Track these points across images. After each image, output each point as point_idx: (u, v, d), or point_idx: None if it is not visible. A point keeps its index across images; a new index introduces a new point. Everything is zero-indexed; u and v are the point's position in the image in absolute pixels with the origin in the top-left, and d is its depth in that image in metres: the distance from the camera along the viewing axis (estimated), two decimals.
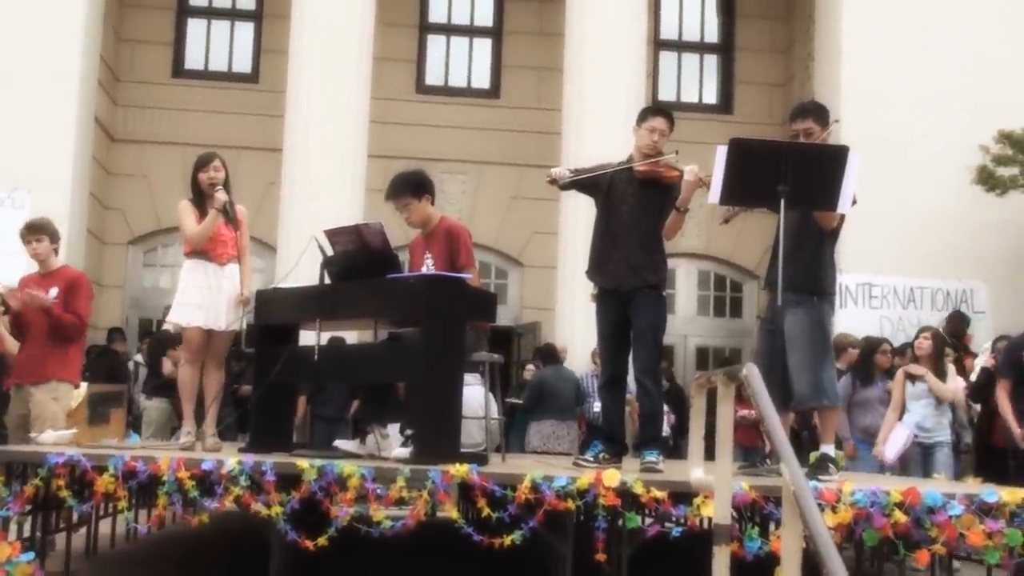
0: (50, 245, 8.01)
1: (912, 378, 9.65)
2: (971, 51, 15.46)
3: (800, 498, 3.10)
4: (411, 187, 7.26)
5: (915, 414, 9.60)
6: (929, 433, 9.57)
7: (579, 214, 14.31)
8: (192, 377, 7.38)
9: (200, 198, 7.40)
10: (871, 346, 10.58)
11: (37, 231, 7.98)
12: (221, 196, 7.26)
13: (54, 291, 7.80)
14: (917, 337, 10.10)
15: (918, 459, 9.56)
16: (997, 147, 14.35)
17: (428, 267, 7.09)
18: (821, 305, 6.68)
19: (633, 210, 6.92)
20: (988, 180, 14.38)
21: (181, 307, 7.28)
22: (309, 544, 5.57)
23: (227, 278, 7.32)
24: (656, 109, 7.36)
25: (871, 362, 10.38)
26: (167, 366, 11.37)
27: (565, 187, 7.42)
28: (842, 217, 6.61)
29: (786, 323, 6.58)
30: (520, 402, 12.63)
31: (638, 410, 7.42)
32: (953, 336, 11.03)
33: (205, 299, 7.23)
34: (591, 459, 6.84)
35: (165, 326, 9.83)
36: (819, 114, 6.80)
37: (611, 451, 6.90)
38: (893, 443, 9.51)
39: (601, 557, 5.52)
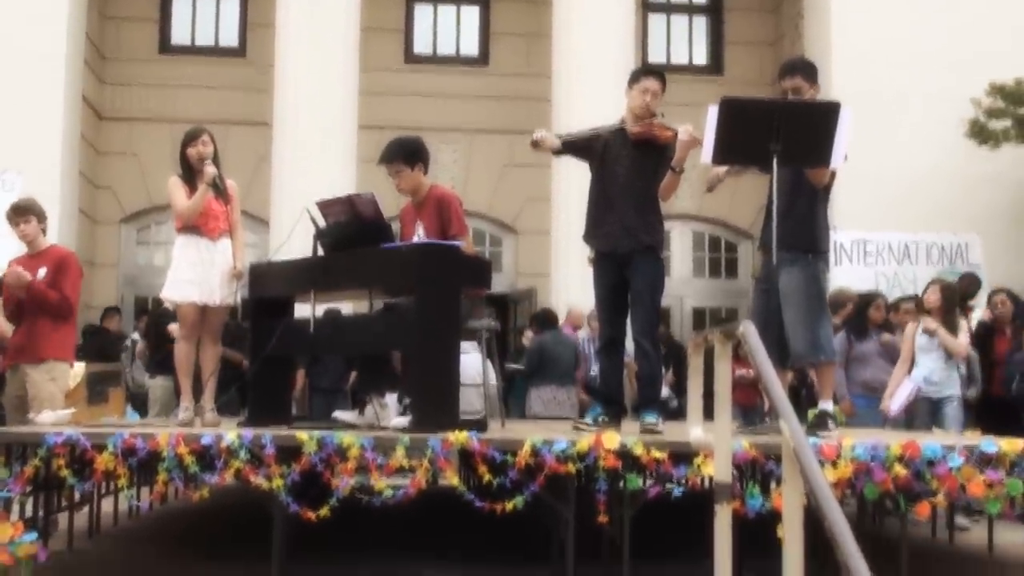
0: (37, 225, 7.98)
1: (928, 332, 9.51)
2: (960, 5, 15.42)
3: (800, 454, 3.10)
4: (404, 154, 7.23)
5: (923, 367, 9.47)
6: (938, 387, 9.42)
7: (572, 179, 14.26)
8: (188, 353, 7.36)
9: (189, 173, 7.36)
10: (864, 301, 10.52)
11: (24, 212, 7.95)
12: (210, 170, 7.23)
13: (42, 271, 7.78)
14: (927, 290, 10.00)
15: (926, 413, 9.43)
16: (988, 100, 14.32)
17: (419, 236, 7.06)
18: (816, 262, 6.68)
19: (628, 172, 6.90)
20: (980, 133, 14.35)
21: (175, 283, 7.25)
22: (311, 515, 5.58)
23: (220, 252, 7.29)
24: (648, 70, 7.34)
25: (865, 317, 10.31)
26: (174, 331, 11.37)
27: (558, 152, 7.39)
28: (833, 174, 6.60)
29: (781, 281, 6.58)
30: (521, 368, 12.62)
31: (636, 372, 7.41)
32: (963, 296, 10.96)
33: (198, 274, 7.19)
34: (590, 422, 6.85)
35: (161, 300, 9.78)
36: (807, 71, 6.78)
37: (610, 414, 6.90)
38: (898, 397, 9.44)
39: (603, 519, 5.54)
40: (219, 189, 7.33)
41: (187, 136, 7.45)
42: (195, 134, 7.42)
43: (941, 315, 9.50)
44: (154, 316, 12.60)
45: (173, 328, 11.17)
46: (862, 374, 10.12)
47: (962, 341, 9.49)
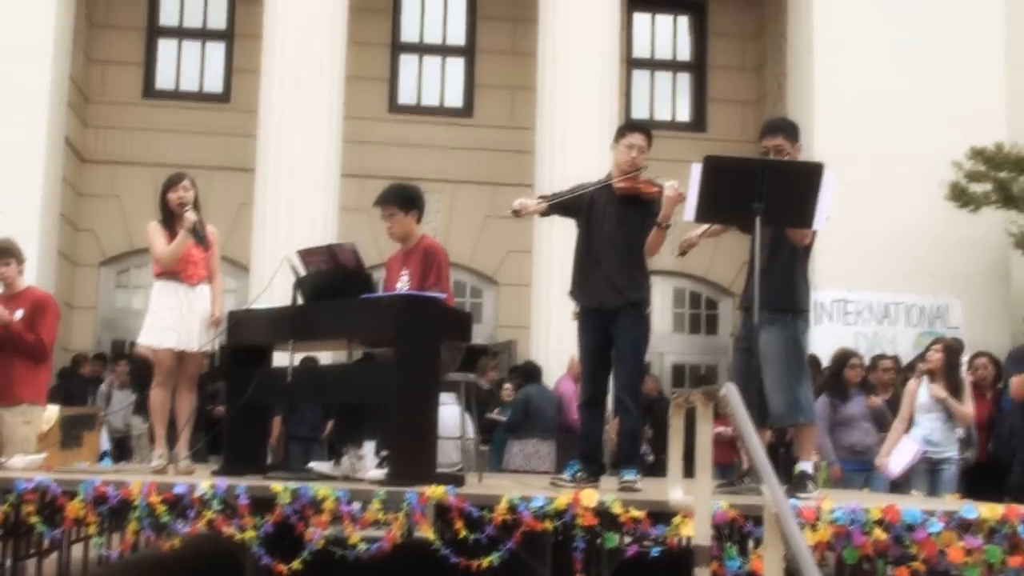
0: (16, 267, 7.91)
1: (938, 399, 9.29)
2: (943, 68, 15.53)
3: (782, 519, 3.06)
4: (401, 198, 7.23)
5: (923, 427, 9.31)
6: (937, 448, 9.27)
7: (553, 232, 14.32)
8: (164, 400, 7.31)
9: (170, 218, 7.35)
10: (840, 360, 10.39)
11: (4, 255, 7.87)
12: (191, 216, 7.20)
13: (19, 312, 7.71)
14: (928, 349, 9.87)
15: (925, 474, 9.26)
16: (969, 163, 14.43)
17: (404, 283, 7.03)
18: (795, 322, 6.66)
19: (614, 228, 6.88)
20: (961, 196, 14.45)
21: (152, 329, 7.22)
22: (283, 568, 5.50)
23: (198, 298, 7.26)
24: (634, 125, 7.36)
25: (842, 377, 10.21)
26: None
27: (544, 213, 7.33)
28: (814, 233, 6.60)
29: (761, 341, 6.54)
30: (502, 419, 12.55)
31: (617, 428, 7.36)
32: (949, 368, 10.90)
33: (176, 321, 7.16)
34: (568, 479, 6.80)
35: (136, 349, 9.73)
36: (789, 131, 6.78)
37: (588, 471, 6.84)
38: (900, 457, 9.26)
39: None
40: (199, 235, 7.30)
41: (168, 181, 7.44)
42: (176, 179, 7.41)
43: (944, 375, 9.35)
44: (135, 362, 12.53)
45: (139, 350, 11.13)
46: (847, 438, 10.03)
47: (968, 406, 9.37)
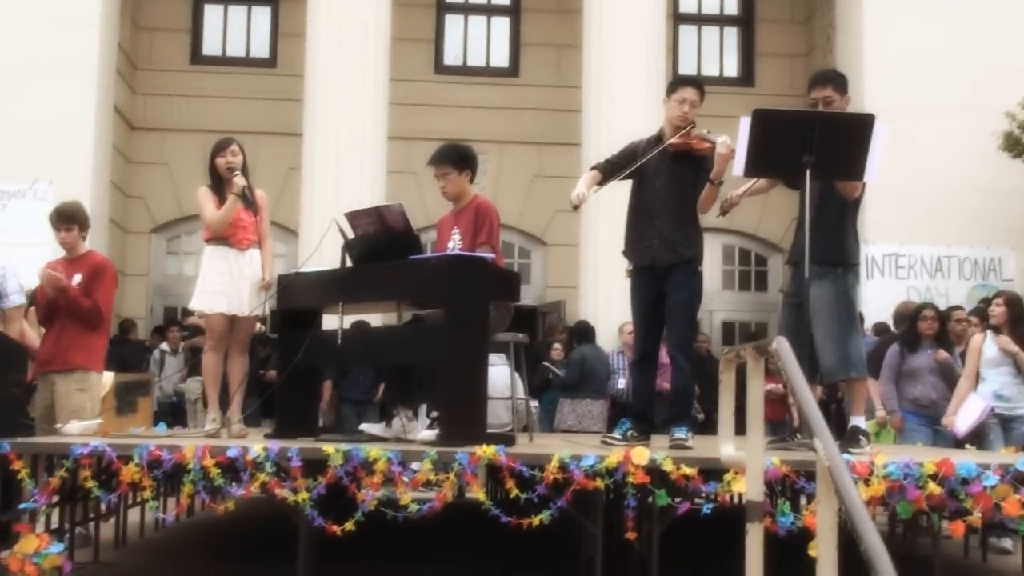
0: (79, 234, 7.91)
1: (1007, 353, 9.12)
2: (994, 17, 15.29)
3: (835, 474, 3.03)
4: (455, 158, 7.22)
5: (993, 383, 9.15)
6: (1009, 404, 9.11)
7: (601, 192, 14.20)
8: (216, 364, 7.34)
9: (218, 184, 7.36)
10: (916, 312, 10.26)
11: (67, 220, 7.85)
12: (239, 181, 7.21)
13: (77, 277, 7.70)
14: (990, 303, 9.74)
15: (998, 431, 9.07)
16: (1023, 113, 14.21)
17: (455, 243, 7.02)
18: (846, 276, 6.61)
19: (666, 184, 6.82)
20: (1015, 146, 14.24)
21: (203, 294, 7.24)
22: (336, 529, 5.54)
23: (248, 263, 7.28)
24: (686, 79, 7.25)
25: (915, 328, 10.03)
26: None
27: (603, 184, 7.23)
28: (863, 186, 6.53)
29: (811, 295, 6.50)
30: (560, 373, 12.54)
31: (670, 385, 7.31)
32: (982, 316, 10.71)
33: (227, 285, 7.18)
34: (619, 437, 6.78)
35: (189, 316, 9.79)
36: (838, 82, 6.71)
37: (639, 429, 6.82)
38: (966, 415, 9.06)
39: (631, 535, 5.48)
40: (248, 200, 7.31)
41: (216, 146, 7.44)
42: (224, 144, 7.41)
43: (1009, 327, 9.19)
44: (189, 328, 12.67)
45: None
46: (911, 391, 9.89)
47: None
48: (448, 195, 7.29)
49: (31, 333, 8.13)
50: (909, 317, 10.40)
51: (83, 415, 7.39)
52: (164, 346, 14.07)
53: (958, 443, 9.02)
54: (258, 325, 7.89)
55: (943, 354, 9.97)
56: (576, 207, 6.95)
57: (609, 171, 7.09)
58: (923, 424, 9.77)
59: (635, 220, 7.00)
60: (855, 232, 6.73)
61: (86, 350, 7.76)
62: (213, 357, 7.34)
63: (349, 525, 5.53)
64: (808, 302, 6.47)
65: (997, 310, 9.36)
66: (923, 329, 9.99)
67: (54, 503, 6.18)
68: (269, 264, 7.42)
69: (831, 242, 6.53)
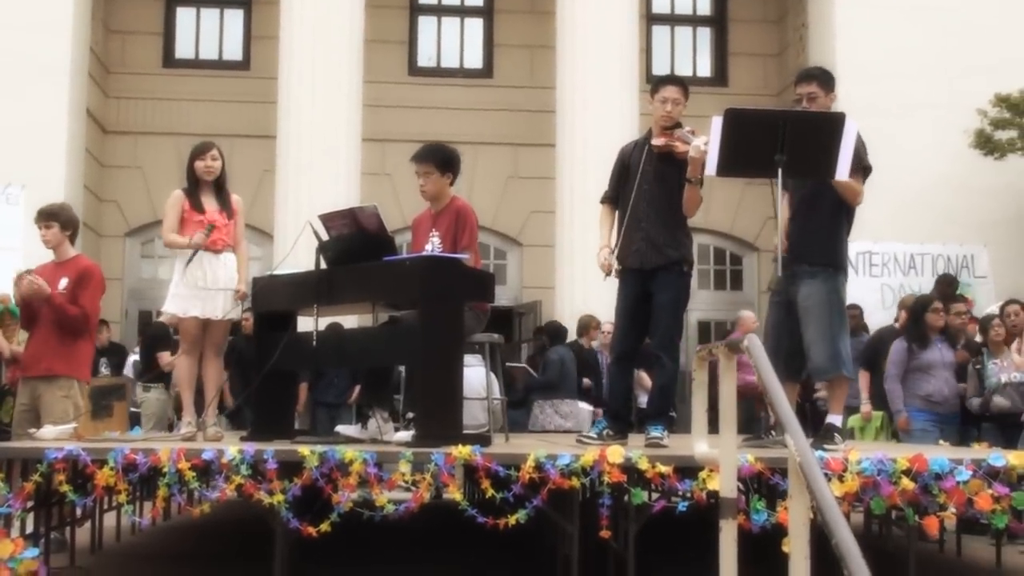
0: (61, 233, 7.82)
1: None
2: (964, 14, 15.41)
3: (807, 470, 3.05)
4: (440, 159, 7.24)
5: None
6: None
7: (575, 191, 14.31)
8: (190, 367, 7.31)
9: (195, 187, 7.33)
10: (921, 305, 9.96)
11: (46, 217, 7.80)
12: (199, 241, 7.10)
13: (63, 281, 7.65)
14: (1003, 311, 9.62)
15: None
16: (994, 111, 14.32)
17: (434, 244, 7.01)
18: (836, 276, 6.65)
19: (652, 186, 6.82)
20: (986, 144, 14.36)
21: (176, 298, 7.20)
22: (312, 531, 5.54)
23: (222, 267, 7.24)
24: (667, 78, 7.16)
25: (923, 322, 9.74)
26: (162, 361, 11.29)
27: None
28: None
29: (800, 294, 6.54)
30: (540, 379, 12.52)
31: (650, 382, 7.32)
32: (944, 299, 10.69)
33: (200, 289, 7.15)
34: (595, 436, 6.80)
35: (160, 317, 9.73)
36: (823, 79, 6.76)
37: (615, 428, 6.84)
38: None
39: (605, 534, 5.50)
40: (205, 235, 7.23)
41: (196, 149, 7.40)
42: (204, 149, 7.38)
43: None
44: (149, 332, 12.51)
45: (164, 357, 11.15)
46: (924, 386, 9.61)
47: None
48: (427, 194, 7.29)
49: (3, 342, 8.06)
50: (912, 310, 10.15)
51: (65, 421, 7.33)
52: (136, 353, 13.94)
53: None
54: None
55: (965, 354, 9.87)
56: (609, 275, 6.96)
57: (614, 195, 7.12)
58: (933, 423, 9.47)
59: (626, 223, 6.98)
60: (846, 233, 6.77)
61: (70, 357, 7.68)
62: (187, 361, 7.31)
63: (325, 526, 5.53)
64: (784, 299, 6.54)
65: (1019, 320, 9.39)
66: (932, 322, 9.75)
67: (28, 507, 6.14)
68: (244, 270, 7.38)
69: (824, 242, 6.59)
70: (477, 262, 7.08)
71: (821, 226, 6.57)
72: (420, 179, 7.23)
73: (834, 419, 6.62)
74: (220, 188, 7.40)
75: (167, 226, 7.26)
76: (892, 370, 9.69)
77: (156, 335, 11.65)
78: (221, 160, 7.37)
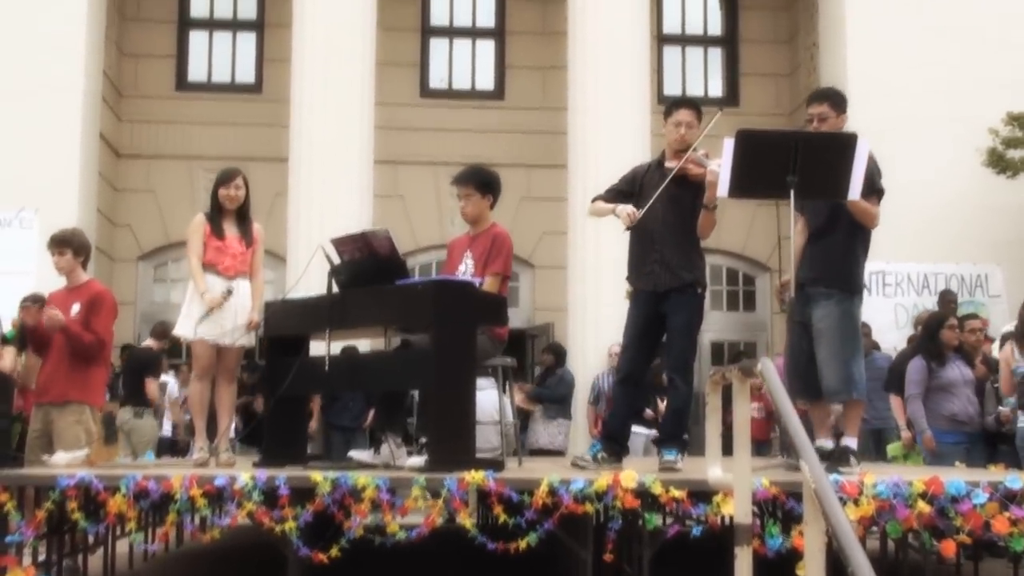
0: (73, 259, 7.82)
1: None
2: (977, 32, 15.37)
3: (821, 496, 3.03)
4: (479, 180, 7.27)
5: None
6: None
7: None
8: (202, 392, 7.30)
9: (218, 213, 7.33)
10: (937, 321, 9.77)
11: (59, 244, 7.80)
12: (218, 298, 7.12)
13: (76, 307, 7.64)
14: None
15: None
16: (1006, 129, 14.26)
17: (468, 267, 7.01)
18: (851, 298, 6.63)
19: (667, 208, 6.77)
20: (999, 163, 14.29)
21: (188, 320, 7.20)
22: (323, 557, 5.51)
23: (236, 293, 7.23)
24: (680, 101, 7.13)
25: (939, 339, 9.53)
26: (151, 389, 11.23)
27: (609, 202, 7.18)
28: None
29: (815, 316, 6.53)
30: (541, 399, 12.58)
31: (664, 406, 7.27)
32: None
33: (212, 313, 7.13)
34: (589, 459, 6.75)
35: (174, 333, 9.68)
36: (836, 100, 6.76)
37: (609, 451, 6.79)
38: None
39: (608, 558, 5.46)
40: (244, 232, 7.28)
41: (221, 176, 7.41)
42: (229, 176, 7.38)
43: None
44: (131, 355, 12.39)
45: (151, 384, 11.11)
46: (948, 406, 9.39)
47: None
48: (467, 216, 7.30)
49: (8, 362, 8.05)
50: (924, 326, 10.00)
51: (78, 447, 7.30)
52: (164, 377, 13.91)
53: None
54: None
55: (983, 369, 9.70)
56: (629, 227, 6.82)
57: (611, 200, 7.05)
58: (960, 443, 9.29)
59: (637, 244, 6.95)
60: (864, 256, 6.75)
61: (83, 384, 7.66)
62: (199, 386, 7.30)
63: (334, 551, 5.50)
64: (796, 322, 6.51)
65: None
66: (948, 339, 9.57)
67: (41, 535, 6.12)
68: (258, 300, 7.37)
69: (839, 265, 6.59)
70: (504, 290, 7.05)
71: (836, 249, 6.56)
72: (461, 201, 7.25)
73: (849, 441, 6.59)
74: (243, 216, 7.42)
75: (193, 250, 7.26)
76: (913, 389, 9.48)
77: (144, 361, 11.54)
78: (245, 189, 7.38)
